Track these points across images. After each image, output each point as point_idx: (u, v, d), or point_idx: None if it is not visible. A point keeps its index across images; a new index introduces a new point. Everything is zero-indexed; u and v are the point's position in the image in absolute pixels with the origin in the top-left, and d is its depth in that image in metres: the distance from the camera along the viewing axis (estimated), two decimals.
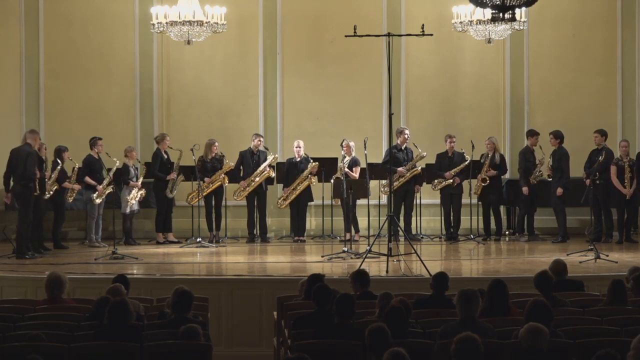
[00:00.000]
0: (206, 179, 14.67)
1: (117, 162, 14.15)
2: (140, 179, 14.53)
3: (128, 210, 14.41)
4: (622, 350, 5.77)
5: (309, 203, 15.08)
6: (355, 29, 12.02)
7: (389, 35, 12.39)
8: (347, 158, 14.62)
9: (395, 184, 14.57)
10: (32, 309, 8.54)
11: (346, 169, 14.52)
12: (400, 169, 14.73)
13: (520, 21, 13.86)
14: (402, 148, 14.95)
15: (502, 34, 14.36)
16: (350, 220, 14.41)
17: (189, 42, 13.90)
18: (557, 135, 14.64)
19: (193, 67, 16.08)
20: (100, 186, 14.18)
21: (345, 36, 12.46)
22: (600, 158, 14.24)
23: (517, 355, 6.49)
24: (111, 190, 14.13)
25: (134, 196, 14.36)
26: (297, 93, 16.14)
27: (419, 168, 14.88)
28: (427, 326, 7.46)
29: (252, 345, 10.55)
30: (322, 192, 14.98)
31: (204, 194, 14.65)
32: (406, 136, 14.93)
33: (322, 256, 12.85)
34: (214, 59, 16.11)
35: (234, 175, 14.88)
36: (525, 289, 9.43)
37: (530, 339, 6.35)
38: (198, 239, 14.22)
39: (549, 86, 16.31)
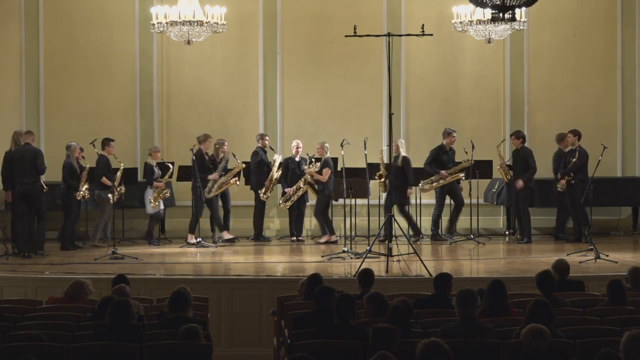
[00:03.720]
0: (210, 177, 14.59)
1: (122, 164, 14.16)
2: (165, 179, 14.49)
3: (152, 211, 14.40)
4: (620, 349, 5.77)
5: (307, 203, 15.07)
6: (355, 29, 12.03)
7: (389, 35, 12.40)
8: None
9: (434, 184, 14.64)
10: (32, 308, 8.55)
11: (311, 171, 14.48)
12: (442, 171, 14.67)
13: (520, 21, 13.85)
14: (448, 150, 14.87)
15: (502, 34, 14.36)
16: (323, 223, 14.45)
17: (189, 42, 13.90)
18: (519, 136, 14.63)
19: (193, 67, 16.08)
20: (117, 187, 14.20)
21: (345, 36, 12.47)
22: (573, 159, 14.29)
23: (518, 355, 6.50)
24: (123, 191, 14.17)
25: (157, 196, 14.33)
26: (297, 93, 16.14)
27: (461, 175, 14.75)
28: (427, 326, 7.46)
29: (252, 345, 10.56)
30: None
31: (215, 194, 14.60)
32: (453, 138, 14.88)
33: (322, 256, 12.85)
34: (214, 59, 16.11)
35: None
36: (525, 289, 9.44)
37: (531, 339, 6.35)
38: (198, 239, 14.22)
39: (549, 86, 16.31)
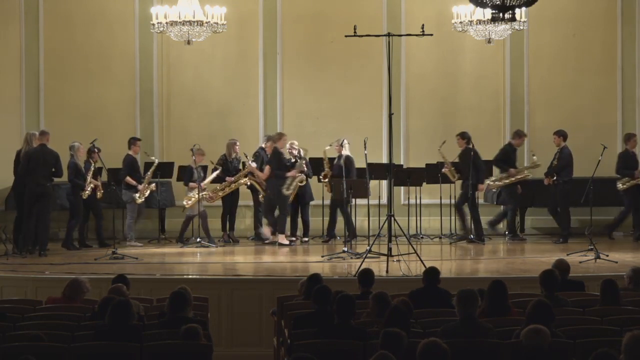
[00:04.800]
0: (227, 178, 14.62)
1: (156, 160, 14.31)
2: (208, 179, 14.47)
3: (189, 212, 14.39)
4: (621, 351, 5.77)
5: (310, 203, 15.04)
6: (355, 29, 12.03)
7: (389, 35, 12.40)
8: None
9: (502, 182, 14.66)
10: (32, 309, 8.55)
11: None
12: (511, 169, 14.67)
13: (520, 21, 13.86)
14: (516, 149, 14.88)
15: (502, 34, 14.36)
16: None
17: (189, 42, 13.91)
18: (464, 136, 14.61)
19: (193, 67, 16.09)
20: (141, 186, 14.21)
21: (345, 36, 12.46)
22: (554, 161, 14.40)
23: (518, 355, 6.49)
24: (154, 188, 14.25)
25: (190, 197, 14.31)
26: (297, 93, 16.14)
27: (529, 175, 14.73)
28: (427, 326, 7.46)
29: (252, 345, 10.56)
30: (322, 192, 14.97)
31: (224, 194, 14.63)
32: (523, 140, 14.89)
33: (322, 256, 12.85)
34: (214, 58, 16.11)
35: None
36: (525, 289, 9.44)
37: (531, 337, 6.35)
38: (198, 239, 14.22)
39: (549, 86, 16.31)
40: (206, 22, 13.81)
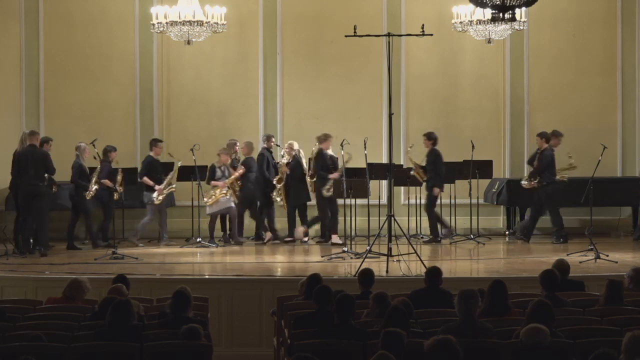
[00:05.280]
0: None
1: (180, 162, 14.34)
2: (231, 178, 14.43)
3: (209, 210, 14.39)
4: (621, 351, 5.77)
5: (307, 203, 15.04)
6: (355, 29, 12.02)
7: (389, 35, 12.40)
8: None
9: (533, 184, 14.49)
10: (32, 309, 8.55)
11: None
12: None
13: (520, 21, 13.86)
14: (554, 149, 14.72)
15: (502, 34, 14.37)
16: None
17: (189, 42, 13.91)
18: (430, 137, 14.57)
19: (193, 67, 16.09)
20: (160, 186, 14.22)
21: (345, 36, 12.46)
22: (534, 162, 14.43)
23: (518, 354, 6.49)
24: (173, 189, 14.30)
25: (210, 195, 14.30)
26: (297, 93, 16.14)
27: (565, 177, 14.55)
28: (427, 326, 7.46)
29: (252, 345, 10.55)
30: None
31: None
32: (559, 140, 14.68)
33: (322, 256, 12.85)
34: (214, 59, 16.11)
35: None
36: (525, 289, 9.45)
37: (531, 335, 6.35)
38: (198, 239, 14.22)
39: (549, 86, 16.31)
40: (206, 22, 13.81)
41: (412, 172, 14.74)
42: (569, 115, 16.11)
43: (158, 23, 13.89)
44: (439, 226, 14.61)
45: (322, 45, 16.12)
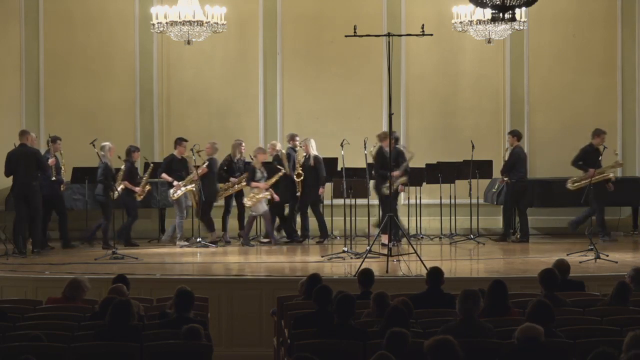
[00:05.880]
0: (231, 179, 14.61)
1: (205, 163, 14.34)
2: (272, 180, 14.39)
3: (252, 211, 14.35)
4: (621, 350, 5.77)
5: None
6: (355, 29, 12.02)
7: (389, 35, 12.39)
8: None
9: (582, 183, 14.27)
10: (32, 309, 8.55)
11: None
12: (591, 169, 14.28)
13: (520, 21, 13.86)
14: (597, 148, 14.45)
15: (502, 34, 14.37)
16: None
17: (189, 42, 13.92)
18: (382, 137, 14.45)
19: (193, 67, 16.09)
20: (177, 182, 14.28)
21: (345, 36, 12.46)
22: (505, 159, 14.50)
23: (515, 354, 6.48)
24: (191, 189, 14.32)
25: (251, 197, 14.26)
26: (297, 93, 16.15)
27: (611, 174, 14.49)
28: (427, 326, 7.46)
29: (252, 345, 10.55)
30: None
31: (227, 194, 14.63)
32: (603, 137, 14.53)
33: (322, 256, 12.85)
34: (214, 58, 16.11)
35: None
36: (525, 289, 9.44)
37: (525, 331, 6.35)
38: (198, 239, 14.22)
39: (549, 86, 16.31)
40: (206, 22, 13.81)
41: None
42: (569, 115, 16.11)
43: (158, 23, 13.90)
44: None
45: (322, 45, 16.12)
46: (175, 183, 14.32)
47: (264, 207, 14.37)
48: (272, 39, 16.14)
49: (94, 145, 13.98)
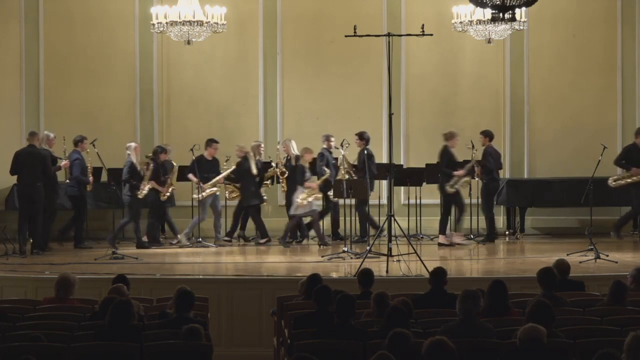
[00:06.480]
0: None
1: (233, 166, 14.49)
2: (319, 182, 14.31)
3: (292, 211, 14.23)
4: (622, 350, 5.77)
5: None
6: (355, 29, 12.03)
7: (389, 35, 12.40)
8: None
9: (625, 181, 14.31)
10: (32, 309, 8.55)
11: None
12: (634, 168, 14.27)
13: (520, 21, 13.86)
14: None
15: (502, 34, 14.37)
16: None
17: (189, 42, 13.92)
18: (362, 137, 14.37)
19: (193, 67, 16.09)
20: (206, 184, 14.32)
21: (345, 36, 12.46)
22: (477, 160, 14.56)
23: (515, 352, 6.48)
24: (214, 191, 14.39)
25: (305, 197, 14.20)
26: (297, 93, 16.15)
27: None
28: (427, 326, 7.46)
29: (252, 345, 10.56)
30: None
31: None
32: None
33: (322, 256, 12.85)
34: (214, 59, 16.12)
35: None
36: (525, 289, 9.44)
37: (528, 332, 6.34)
38: (198, 239, 14.22)
39: (549, 86, 16.31)
40: (206, 22, 13.82)
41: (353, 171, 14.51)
42: (569, 115, 16.11)
43: (158, 23, 13.90)
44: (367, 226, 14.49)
45: (322, 45, 16.12)
46: (202, 185, 14.30)
47: (315, 209, 14.31)
48: (272, 39, 16.14)
49: (94, 146, 13.97)
